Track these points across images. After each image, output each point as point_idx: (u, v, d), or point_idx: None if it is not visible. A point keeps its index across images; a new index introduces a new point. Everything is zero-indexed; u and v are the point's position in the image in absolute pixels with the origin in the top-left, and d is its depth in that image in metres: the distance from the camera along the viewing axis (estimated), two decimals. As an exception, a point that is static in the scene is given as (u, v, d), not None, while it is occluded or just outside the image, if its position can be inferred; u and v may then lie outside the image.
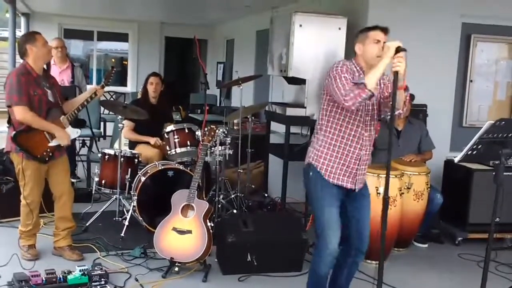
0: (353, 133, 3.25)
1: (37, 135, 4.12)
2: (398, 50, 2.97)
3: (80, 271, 3.80)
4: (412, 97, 5.23)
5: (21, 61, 7.00)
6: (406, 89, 3.14)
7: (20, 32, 11.31)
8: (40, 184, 4.30)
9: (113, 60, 13.93)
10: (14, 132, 4.08)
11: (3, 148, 5.62)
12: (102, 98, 5.15)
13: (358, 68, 3.25)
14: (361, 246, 3.46)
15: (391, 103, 3.05)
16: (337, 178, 3.29)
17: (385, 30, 3.24)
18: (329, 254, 3.31)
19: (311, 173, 3.36)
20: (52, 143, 4.17)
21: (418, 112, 5.68)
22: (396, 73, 2.95)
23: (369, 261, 4.66)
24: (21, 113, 4.02)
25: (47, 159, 4.18)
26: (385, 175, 4.46)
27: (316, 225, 3.39)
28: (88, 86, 5.05)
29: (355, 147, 3.26)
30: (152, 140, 5.71)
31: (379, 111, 3.34)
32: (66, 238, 4.44)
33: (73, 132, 4.37)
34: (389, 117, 3.09)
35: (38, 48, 4.16)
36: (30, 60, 4.17)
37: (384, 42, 3.11)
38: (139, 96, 6.52)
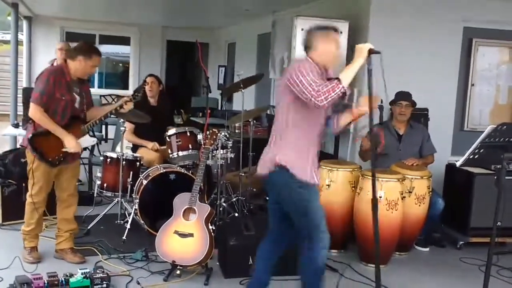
0: (313, 130, 3.30)
1: (54, 139, 4.11)
2: (370, 52, 3.03)
3: (82, 274, 3.80)
4: (414, 103, 5.24)
5: (23, 64, 7.03)
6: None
7: (22, 35, 11.34)
8: (49, 185, 4.30)
9: (114, 63, 13.96)
10: (30, 135, 4.11)
11: (5, 151, 5.67)
12: (104, 101, 5.16)
13: (318, 67, 3.25)
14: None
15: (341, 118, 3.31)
16: (313, 176, 3.32)
17: (336, 31, 3.33)
18: (326, 244, 3.32)
19: (286, 176, 3.28)
20: (66, 149, 4.17)
21: (420, 116, 5.69)
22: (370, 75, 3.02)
23: (370, 265, 4.66)
24: (33, 110, 4.06)
25: (57, 163, 4.18)
26: (386, 179, 4.54)
27: (309, 223, 3.32)
28: (92, 90, 4.99)
29: (313, 144, 3.32)
30: (150, 145, 5.72)
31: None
32: (68, 240, 4.44)
33: (89, 141, 4.40)
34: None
35: (87, 65, 4.19)
36: (73, 66, 4.18)
37: (355, 45, 3.15)
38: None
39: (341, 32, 5.34)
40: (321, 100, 2.99)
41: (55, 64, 6.38)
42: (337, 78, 3.01)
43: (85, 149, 5.15)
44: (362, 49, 3.04)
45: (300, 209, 3.33)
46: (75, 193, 4.46)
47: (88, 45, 4.38)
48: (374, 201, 3.06)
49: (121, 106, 4.37)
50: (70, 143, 4.16)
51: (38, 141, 4.11)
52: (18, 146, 6.05)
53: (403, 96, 5.22)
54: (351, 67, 3.06)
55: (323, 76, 3.22)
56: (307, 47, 3.34)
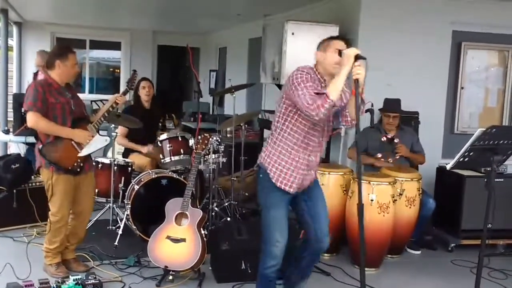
0: (301, 138, 3.29)
1: (66, 146, 4.03)
2: (356, 57, 3.03)
3: (73, 280, 3.79)
4: (401, 112, 5.27)
5: (13, 70, 7.03)
6: (362, 100, 3.15)
7: (12, 41, 11.29)
8: (70, 199, 4.14)
9: (105, 68, 13.93)
10: (41, 146, 3.99)
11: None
12: (95, 106, 5.14)
13: (319, 76, 3.29)
14: (317, 246, 3.47)
15: (347, 111, 3.29)
16: (286, 184, 3.31)
17: (347, 42, 3.29)
18: (275, 257, 3.34)
19: (261, 175, 3.40)
20: (82, 153, 4.09)
21: (410, 119, 5.72)
22: (356, 81, 3.00)
23: (362, 268, 4.67)
24: (32, 119, 3.93)
25: (78, 170, 4.08)
26: (378, 183, 4.56)
27: (262, 226, 3.39)
28: (83, 95, 4.97)
29: (304, 153, 3.31)
30: (144, 150, 5.70)
31: (333, 118, 3.40)
32: (72, 250, 4.40)
33: (102, 141, 4.26)
34: (341, 127, 3.24)
35: (67, 67, 4.10)
36: (55, 74, 4.09)
37: (341, 51, 3.14)
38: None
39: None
40: (313, 116, 3.06)
41: (39, 74, 6.40)
42: (325, 93, 3.05)
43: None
44: (349, 56, 3.04)
45: (262, 209, 3.44)
46: (92, 208, 4.42)
47: (59, 47, 4.34)
48: (360, 207, 3.04)
49: (116, 103, 4.30)
50: (81, 136, 4.08)
51: (50, 151, 3.98)
52: (9, 152, 6.02)
53: (390, 107, 5.23)
54: (338, 77, 3.07)
55: (319, 83, 3.24)
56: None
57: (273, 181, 3.31)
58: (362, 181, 4.56)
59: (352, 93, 3.11)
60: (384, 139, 5.18)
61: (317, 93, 3.09)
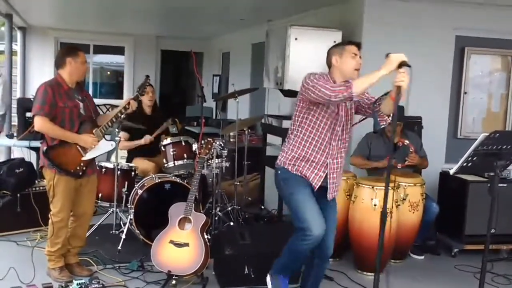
0: (320, 140, 3.33)
1: (70, 150, 4.05)
2: (401, 64, 2.94)
3: (77, 284, 3.81)
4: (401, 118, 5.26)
5: (17, 75, 7.07)
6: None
7: (16, 46, 11.35)
8: (71, 200, 4.16)
9: (108, 73, 13.97)
10: (45, 148, 4.02)
11: (0, 162, 5.65)
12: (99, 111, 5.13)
13: (331, 81, 3.31)
14: (323, 254, 3.53)
15: (378, 112, 3.28)
16: (303, 172, 3.37)
17: (359, 46, 3.35)
18: (311, 239, 3.30)
19: (279, 172, 3.46)
20: (86, 157, 4.12)
21: (413, 124, 5.71)
22: (398, 88, 2.92)
23: (365, 273, 4.67)
24: (39, 123, 3.96)
25: (80, 173, 4.10)
26: (380, 187, 4.55)
27: (294, 216, 3.38)
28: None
29: (322, 154, 3.35)
30: (142, 141, 5.69)
31: (353, 117, 3.43)
32: (75, 255, 4.40)
33: (107, 145, 4.27)
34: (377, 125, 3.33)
35: (77, 64, 4.13)
36: (65, 72, 4.12)
37: (388, 53, 3.05)
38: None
39: (334, 41, 5.39)
40: (330, 97, 3.07)
41: None
42: (350, 82, 3.06)
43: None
44: (392, 60, 2.97)
45: (288, 201, 3.47)
46: (92, 210, 4.44)
47: (68, 46, 4.41)
48: (384, 214, 3.01)
49: (125, 108, 4.31)
50: (87, 141, 4.09)
51: (54, 154, 4.01)
52: (13, 157, 6.04)
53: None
54: (371, 75, 3.03)
55: None
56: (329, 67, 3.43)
57: (293, 172, 3.38)
58: (365, 186, 4.63)
59: (391, 99, 3.05)
60: (400, 144, 5.18)
61: (344, 81, 3.15)
